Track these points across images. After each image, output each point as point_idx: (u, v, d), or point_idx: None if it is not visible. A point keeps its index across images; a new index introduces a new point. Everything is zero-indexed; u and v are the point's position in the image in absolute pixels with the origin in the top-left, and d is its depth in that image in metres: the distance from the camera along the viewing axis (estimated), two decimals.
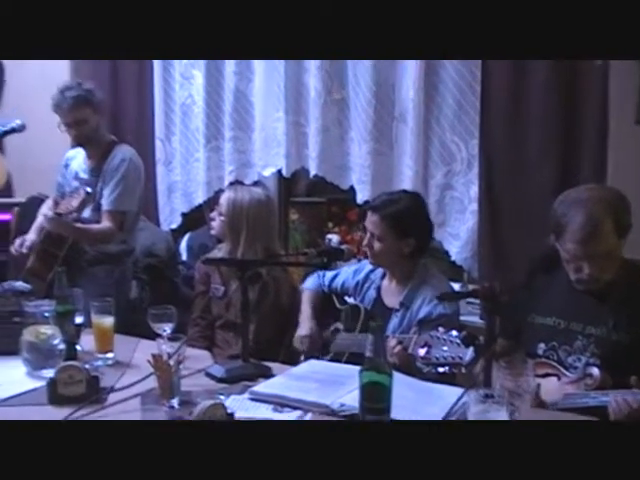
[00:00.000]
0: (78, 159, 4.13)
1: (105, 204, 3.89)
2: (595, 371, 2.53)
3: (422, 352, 2.52)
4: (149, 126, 5.14)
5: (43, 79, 5.39)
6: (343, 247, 3.44)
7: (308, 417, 2.44)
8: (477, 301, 4.01)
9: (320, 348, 3.32)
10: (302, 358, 3.30)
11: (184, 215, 5.12)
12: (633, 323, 2.58)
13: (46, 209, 4.09)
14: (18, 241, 3.97)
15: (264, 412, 2.48)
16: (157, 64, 5.03)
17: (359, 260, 3.96)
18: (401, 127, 4.12)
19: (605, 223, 2.52)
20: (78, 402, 2.49)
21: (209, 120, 4.81)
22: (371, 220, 3.18)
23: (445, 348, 2.45)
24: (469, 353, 2.39)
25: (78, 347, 3.05)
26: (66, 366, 2.55)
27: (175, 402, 2.47)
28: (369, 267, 3.38)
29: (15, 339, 2.96)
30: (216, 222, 3.71)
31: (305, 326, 3.37)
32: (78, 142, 4.08)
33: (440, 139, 4.04)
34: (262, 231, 3.61)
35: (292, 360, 3.27)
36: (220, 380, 2.77)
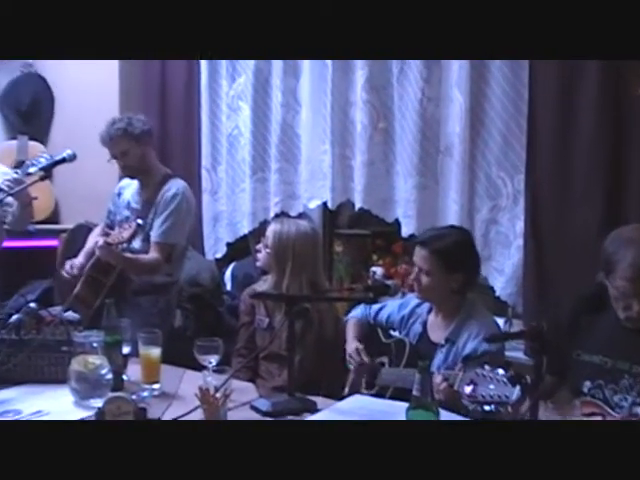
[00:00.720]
0: (131, 188, 4.18)
1: (154, 235, 3.92)
2: None
3: (468, 390, 2.50)
4: (196, 156, 5.19)
5: (93, 108, 5.48)
6: (389, 283, 3.45)
7: None
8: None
9: (370, 367, 3.31)
10: (346, 391, 3.30)
11: (229, 245, 5.14)
12: None
13: (97, 235, 4.14)
14: (69, 264, 4.02)
15: None
16: (204, 95, 5.09)
17: (403, 294, 3.96)
18: (447, 161, 4.12)
19: None
20: None
21: (255, 151, 4.85)
22: (420, 255, 3.18)
23: (492, 386, 2.43)
24: (516, 392, 2.37)
25: (125, 377, 3.09)
26: (114, 397, 2.58)
27: None
28: (415, 301, 3.38)
29: (63, 368, 3.00)
30: (262, 254, 3.74)
31: (352, 344, 3.38)
32: (126, 174, 4.14)
33: (486, 173, 4.01)
34: (308, 263, 3.63)
35: (335, 394, 3.27)
36: (265, 414, 2.78)
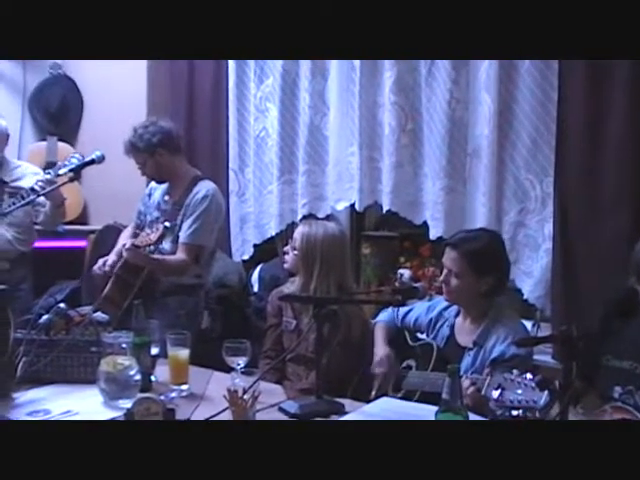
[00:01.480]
0: (161, 189, 4.20)
1: (182, 237, 3.93)
2: None
3: (496, 394, 2.49)
4: (223, 158, 5.20)
5: (121, 110, 5.51)
6: (418, 285, 3.44)
7: None
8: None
9: (397, 374, 3.30)
10: (373, 394, 3.29)
11: (256, 246, 5.15)
12: None
13: (126, 236, 4.16)
14: (101, 261, 4.04)
15: None
16: (232, 96, 5.10)
17: (431, 297, 3.95)
18: (475, 163, 4.11)
19: None
20: None
21: (283, 153, 4.85)
22: (450, 257, 3.17)
23: (519, 391, 2.43)
24: (544, 397, 2.37)
25: (153, 378, 3.11)
26: (143, 398, 2.59)
27: None
28: (443, 304, 3.37)
29: (92, 368, 3.03)
30: (289, 256, 3.75)
31: (381, 350, 3.38)
32: (153, 180, 4.16)
33: (514, 176, 4.00)
34: (335, 266, 3.63)
35: (363, 396, 3.27)
36: (293, 416, 2.79)
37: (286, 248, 3.83)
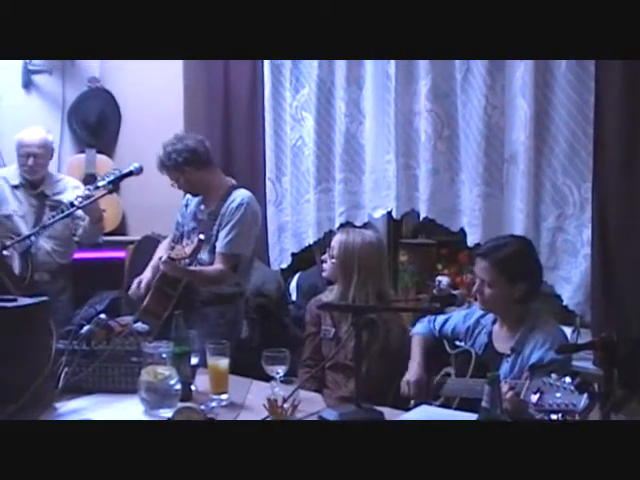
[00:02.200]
0: (197, 200, 4.20)
1: (219, 246, 3.93)
2: None
3: (535, 398, 2.48)
4: (260, 167, 5.23)
5: (158, 121, 5.55)
6: (456, 292, 3.43)
7: None
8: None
9: (426, 395, 3.30)
10: (412, 403, 3.29)
11: (294, 255, 5.16)
12: None
13: (162, 250, 4.18)
14: (135, 282, 4.06)
15: None
16: (268, 106, 5.12)
17: (469, 304, 3.94)
18: (512, 169, 4.09)
19: None
20: None
21: (319, 162, 4.86)
22: (481, 266, 3.17)
23: (558, 395, 2.41)
24: (583, 400, 2.35)
25: (193, 388, 3.13)
26: (184, 408, 2.61)
27: None
28: (480, 312, 3.36)
29: (133, 378, 3.06)
30: (328, 264, 3.75)
31: (413, 371, 3.37)
32: (188, 194, 4.18)
33: (552, 181, 3.98)
34: (374, 273, 3.63)
35: (402, 403, 3.27)
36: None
37: (324, 256, 3.84)
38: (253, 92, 5.28)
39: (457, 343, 3.41)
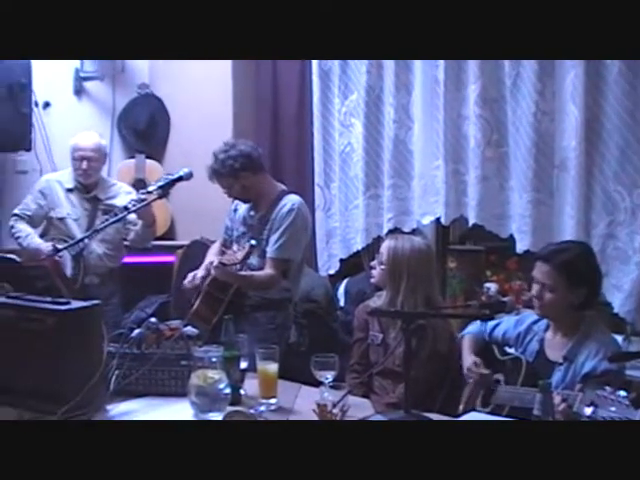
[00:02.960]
0: (247, 205, 4.22)
1: (269, 251, 3.94)
2: None
3: (588, 411, 2.45)
4: (309, 173, 5.24)
5: (206, 127, 5.60)
6: (505, 299, 3.41)
7: None
8: None
9: (490, 380, 3.27)
10: (461, 408, 3.28)
11: (342, 261, 5.16)
12: None
13: (214, 252, 4.20)
14: (190, 275, 4.08)
15: None
16: (317, 112, 5.14)
17: (518, 311, 3.91)
18: (562, 176, 4.06)
19: None
20: None
21: (368, 168, 4.86)
22: (542, 270, 3.12)
23: (613, 408, 2.38)
24: (638, 415, 2.32)
25: (242, 392, 3.14)
26: (234, 412, 2.63)
27: None
28: (531, 318, 3.32)
29: (182, 382, 3.08)
30: (377, 270, 3.75)
31: (468, 359, 3.35)
32: (240, 201, 4.19)
33: (603, 188, 3.95)
34: (422, 280, 3.63)
35: (451, 410, 3.25)
36: None
37: (373, 263, 3.84)
38: (301, 98, 5.32)
39: (507, 350, 3.38)
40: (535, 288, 3.15)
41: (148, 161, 5.98)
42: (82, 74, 5.91)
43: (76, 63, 5.86)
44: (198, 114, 5.84)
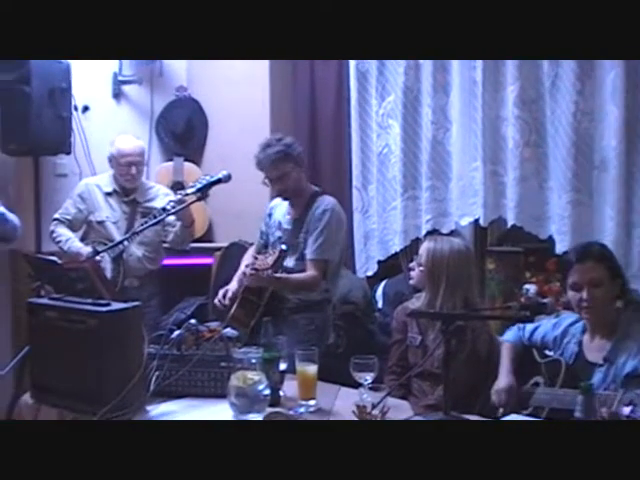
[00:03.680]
0: (281, 209, 4.23)
1: (309, 253, 3.96)
2: None
3: (627, 411, 2.44)
4: (346, 174, 5.24)
5: (244, 130, 5.62)
6: (546, 301, 3.39)
7: None
8: None
9: (516, 403, 3.26)
10: (500, 411, 3.26)
11: (380, 262, 5.16)
12: None
13: (248, 258, 4.22)
14: (221, 292, 4.11)
15: None
16: (354, 114, 5.13)
17: (558, 313, 3.88)
18: (602, 176, 4.01)
19: None
20: None
21: (406, 169, 4.83)
22: (585, 268, 3.12)
23: None
24: None
25: (281, 393, 3.16)
26: (274, 413, 2.64)
27: None
28: (569, 320, 3.32)
29: (222, 383, 3.10)
30: (415, 272, 3.75)
31: (504, 379, 3.33)
32: (282, 196, 4.19)
33: None
34: (462, 282, 3.62)
35: (490, 412, 3.24)
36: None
37: (412, 264, 3.83)
38: (339, 100, 5.32)
39: (546, 352, 3.37)
40: (585, 290, 3.12)
41: (186, 164, 6.01)
42: (120, 78, 5.95)
43: (114, 67, 5.91)
44: (236, 116, 5.86)
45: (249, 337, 3.60)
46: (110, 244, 4.34)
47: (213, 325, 3.47)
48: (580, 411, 2.11)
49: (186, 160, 6.04)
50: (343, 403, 3.07)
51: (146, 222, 4.19)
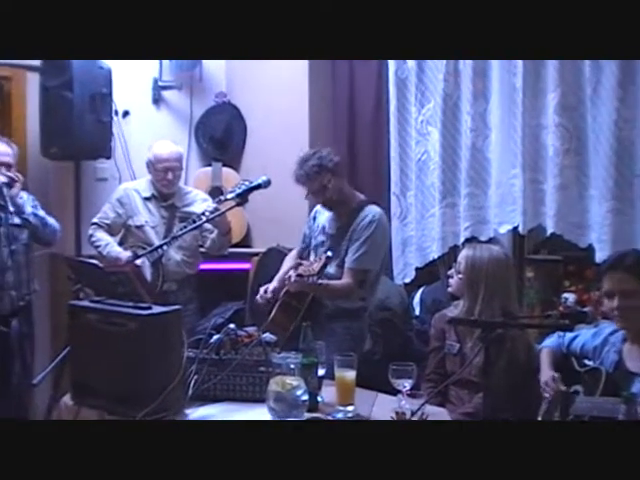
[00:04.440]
0: (326, 214, 4.25)
1: (348, 261, 3.97)
2: None
3: None
4: (385, 181, 5.24)
5: (283, 135, 5.64)
6: (586, 309, 3.37)
7: None
8: None
9: (567, 396, 3.23)
10: (539, 419, 3.24)
11: (418, 269, 5.14)
12: None
13: (290, 261, 4.24)
14: (262, 289, 4.13)
15: None
16: (393, 121, 5.13)
17: (597, 322, 3.86)
18: None
19: None
20: None
21: (445, 176, 4.82)
22: (616, 278, 3.10)
23: None
24: None
25: (319, 399, 3.16)
26: (311, 418, 2.63)
27: None
28: (608, 329, 3.29)
29: (260, 388, 3.13)
30: (454, 280, 3.74)
31: (547, 372, 3.31)
32: (325, 206, 4.20)
33: None
34: (500, 290, 3.61)
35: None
36: None
37: (450, 272, 3.83)
38: (378, 107, 5.31)
39: (585, 362, 3.34)
40: (616, 300, 3.10)
41: (224, 169, 6.05)
42: (160, 83, 6.01)
43: (154, 73, 5.97)
44: (274, 121, 5.88)
45: (287, 342, 3.60)
46: (149, 248, 4.38)
47: (251, 330, 3.48)
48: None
49: (224, 165, 6.08)
50: (381, 410, 3.08)
51: (185, 227, 4.22)
